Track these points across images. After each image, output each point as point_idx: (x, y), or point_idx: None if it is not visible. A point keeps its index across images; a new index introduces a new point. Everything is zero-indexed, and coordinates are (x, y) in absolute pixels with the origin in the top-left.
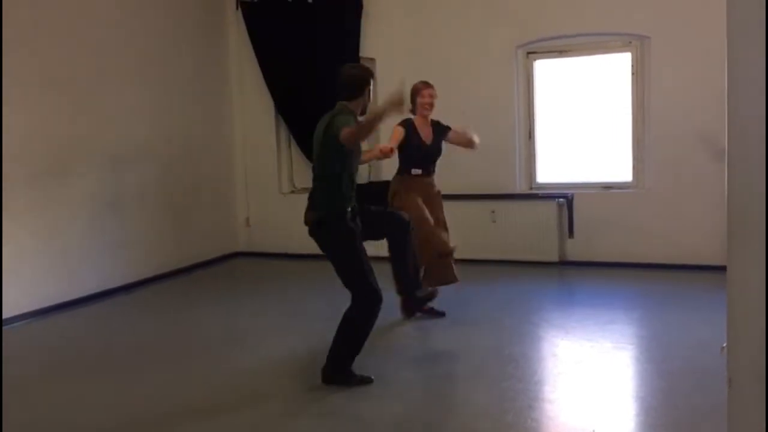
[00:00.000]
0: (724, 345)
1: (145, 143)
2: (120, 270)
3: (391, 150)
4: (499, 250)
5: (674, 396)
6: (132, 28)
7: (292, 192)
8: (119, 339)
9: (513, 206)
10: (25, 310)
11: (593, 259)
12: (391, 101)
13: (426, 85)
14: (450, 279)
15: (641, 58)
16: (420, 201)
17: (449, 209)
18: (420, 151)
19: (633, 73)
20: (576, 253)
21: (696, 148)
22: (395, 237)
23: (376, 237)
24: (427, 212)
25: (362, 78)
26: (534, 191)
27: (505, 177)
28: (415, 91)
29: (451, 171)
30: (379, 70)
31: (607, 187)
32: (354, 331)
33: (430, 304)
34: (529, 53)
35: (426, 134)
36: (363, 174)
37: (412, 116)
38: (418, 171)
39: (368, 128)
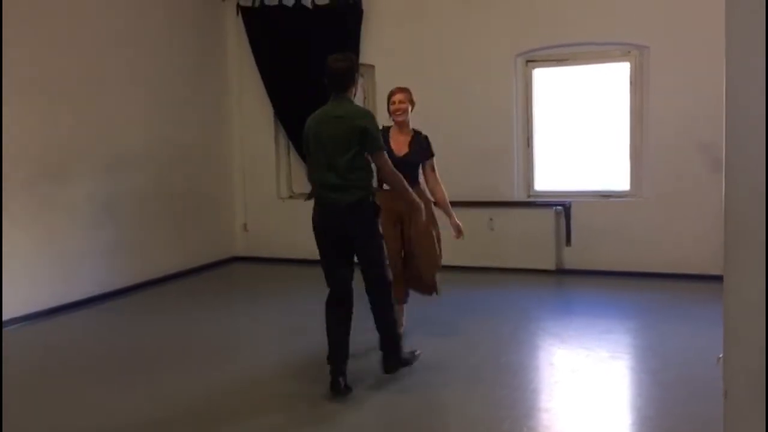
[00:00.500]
0: (720, 356)
1: (144, 147)
2: (117, 274)
3: None
4: (496, 258)
5: (670, 406)
6: (131, 33)
7: (290, 197)
8: (115, 343)
9: (511, 214)
10: (22, 313)
11: (590, 267)
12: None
13: (399, 90)
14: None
15: (640, 68)
16: (392, 230)
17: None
18: None
19: (631, 83)
20: (573, 262)
21: (694, 158)
22: (370, 295)
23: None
24: (396, 248)
25: (352, 69)
26: (532, 199)
27: (503, 185)
28: (388, 97)
29: (448, 178)
30: (378, 77)
31: (605, 195)
32: (390, 311)
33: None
34: (528, 62)
35: (399, 145)
36: None
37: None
38: (389, 186)
39: (402, 190)
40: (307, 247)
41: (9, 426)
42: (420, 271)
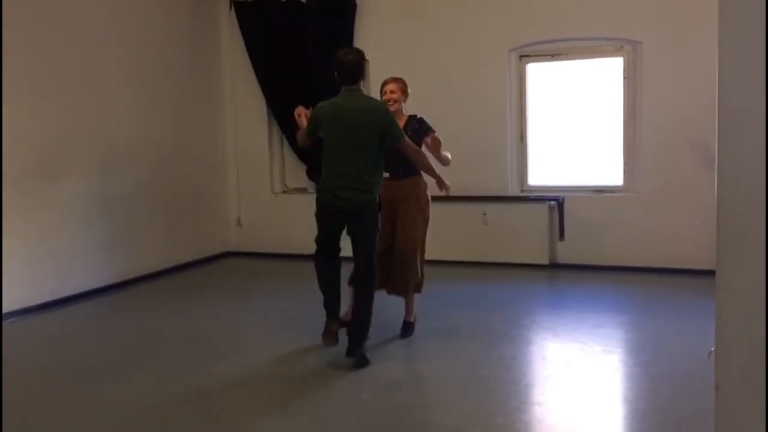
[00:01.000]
0: (712, 350)
1: (137, 143)
2: (110, 269)
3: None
4: (490, 253)
5: (661, 399)
6: (123, 28)
7: (284, 192)
8: (107, 338)
9: (504, 209)
10: (15, 307)
11: (583, 262)
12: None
13: (391, 80)
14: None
15: (633, 63)
16: (386, 221)
17: (441, 211)
18: None
19: (625, 78)
20: (566, 256)
21: (687, 153)
22: (356, 284)
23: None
24: (385, 237)
25: (361, 61)
26: (525, 194)
27: (497, 179)
28: (381, 86)
29: (442, 172)
30: (372, 72)
31: (598, 190)
32: (369, 304)
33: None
34: (522, 56)
35: None
36: None
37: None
38: (386, 174)
39: (427, 167)
40: (301, 241)
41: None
42: (395, 261)
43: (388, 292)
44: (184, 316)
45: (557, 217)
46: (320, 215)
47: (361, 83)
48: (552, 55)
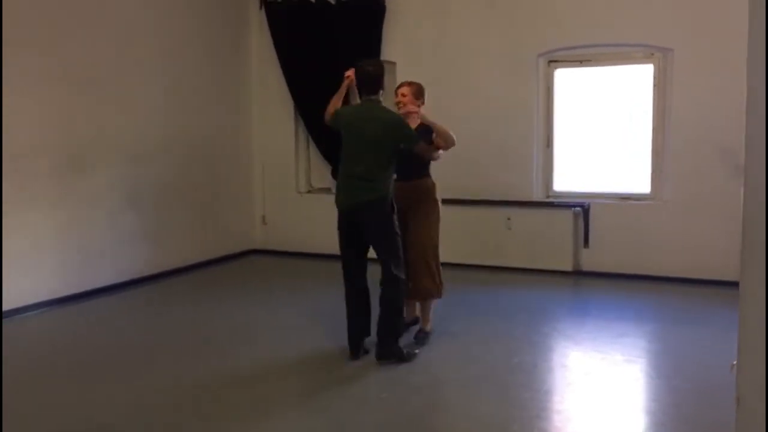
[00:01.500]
0: (735, 362)
1: (166, 139)
2: (137, 263)
3: None
4: (513, 258)
5: (683, 412)
6: (155, 26)
7: (309, 192)
8: (132, 331)
9: (529, 214)
10: (44, 299)
11: (608, 270)
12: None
13: (405, 84)
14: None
15: (663, 70)
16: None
17: (464, 215)
18: None
19: (654, 85)
20: (591, 264)
21: (715, 163)
22: (382, 285)
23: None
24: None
25: (381, 74)
26: (551, 199)
27: (522, 184)
28: (396, 89)
29: (468, 176)
30: (400, 74)
31: (625, 198)
32: (395, 302)
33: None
34: (550, 62)
35: None
36: None
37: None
38: (395, 176)
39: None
40: (325, 241)
41: (23, 411)
42: (409, 267)
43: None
44: (205, 313)
45: (582, 223)
46: (339, 226)
47: (381, 93)
48: (581, 61)
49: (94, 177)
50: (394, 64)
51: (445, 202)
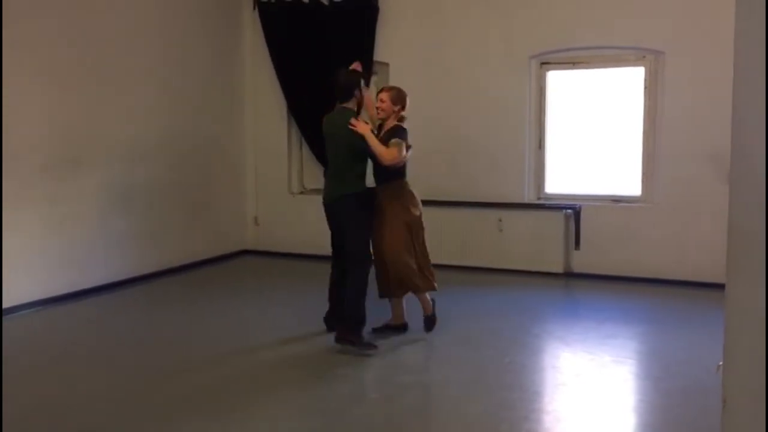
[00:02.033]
0: (720, 364)
1: (158, 139)
2: (128, 263)
3: None
4: (504, 259)
5: (670, 412)
6: (148, 26)
7: (302, 193)
8: (121, 332)
9: (520, 216)
10: (35, 298)
11: (598, 271)
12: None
13: (384, 89)
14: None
15: (654, 73)
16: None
17: (456, 217)
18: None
19: (645, 87)
20: (582, 265)
21: (706, 165)
22: (346, 273)
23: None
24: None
25: (352, 86)
26: (542, 201)
27: (514, 186)
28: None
29: (459, 178)
30: (392, 75)
31: (616, 200)
32: (355, 291)
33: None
34: (542, 64)
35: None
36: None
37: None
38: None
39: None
40: (317, 242)
41: (12, 410)
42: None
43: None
44: (197, 313)
45: (573, 225)
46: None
47: (354, 102)
48: (573, 63)
49: (86, 177)
50: (386, 65)
51: (437, 204)
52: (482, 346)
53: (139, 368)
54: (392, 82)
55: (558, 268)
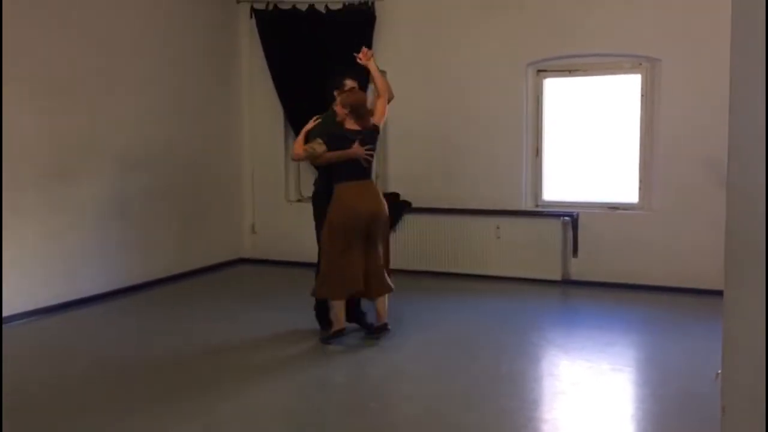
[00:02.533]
0: (719, 371)
1: (154, 148)
2: (124, 272)
3: None
4: (502, 267)
5: (669, 420)
6: (144, 33)
7: (299, 200)
8: (117, 341)
9: (518, 223)
10: (30, 308)
11: (596, 279)
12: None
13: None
14: None
15: (651, 80)
16: None
17: (453, 224)
18: None
19: (642, 95)
20: (579, 273)
21: (703, 172)
22: None
23: None
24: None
25: (333, 96)
26: (540, 209)
27: (511, 193)
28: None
29: (457, 185)
30: (390, 83)
31: (613, 207)
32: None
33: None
34: (539, 71)
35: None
36: None
37: None
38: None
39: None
40: (314, 250)
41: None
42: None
43: None
44: (193, 322)
45: (571, 233)
46: None
47: (334, 103)
48: (569, 71)
49: (81, 185)
50: (383, 73)
51: (434, 211)
52: (480, 354)
53: (133, 380)
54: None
55: (556, 276)
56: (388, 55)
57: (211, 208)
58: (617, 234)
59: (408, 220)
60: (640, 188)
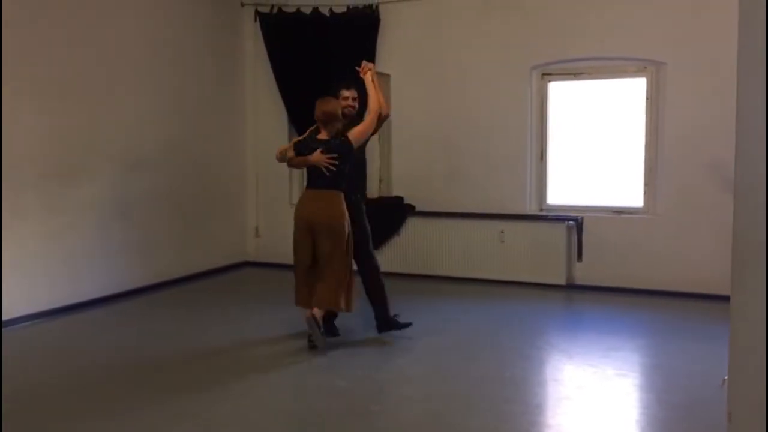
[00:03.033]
0: (726, 378)
1: (157, 150)
2: (127, 275)
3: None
4: (506, 271)
5: (674, 426)
6: (148, 35)
7: None
8: (119, 344)
9: (522, 227)
10: (30, 311)
11: (601, 283)
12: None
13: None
14: None
15: (656, 84)
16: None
17: (457, 228)
18: None
19: (647, 98)
20: (584, 277)
21: (708, 176)
22: None
23: None
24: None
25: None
26: (544, 213)
27: (516, 197)
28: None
29: (461, 189)
30: (394, 86)
31: (618, 211)
32: None
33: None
34: (544, 74)
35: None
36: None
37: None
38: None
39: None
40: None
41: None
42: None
43: None
44: (196, 325)
45: (575, 237)
46: None
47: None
48: (574, 74)
49: (82, 186)
50: (387, 76)
51: (439, 215)
52: (483, 358)
53: (133, 384)
54: (393, 93)
55: (560, 280)
56: (392, 58)
57: (214, 210)
58: (622, 238)
59: (412, 224)
60: (645, 192)
